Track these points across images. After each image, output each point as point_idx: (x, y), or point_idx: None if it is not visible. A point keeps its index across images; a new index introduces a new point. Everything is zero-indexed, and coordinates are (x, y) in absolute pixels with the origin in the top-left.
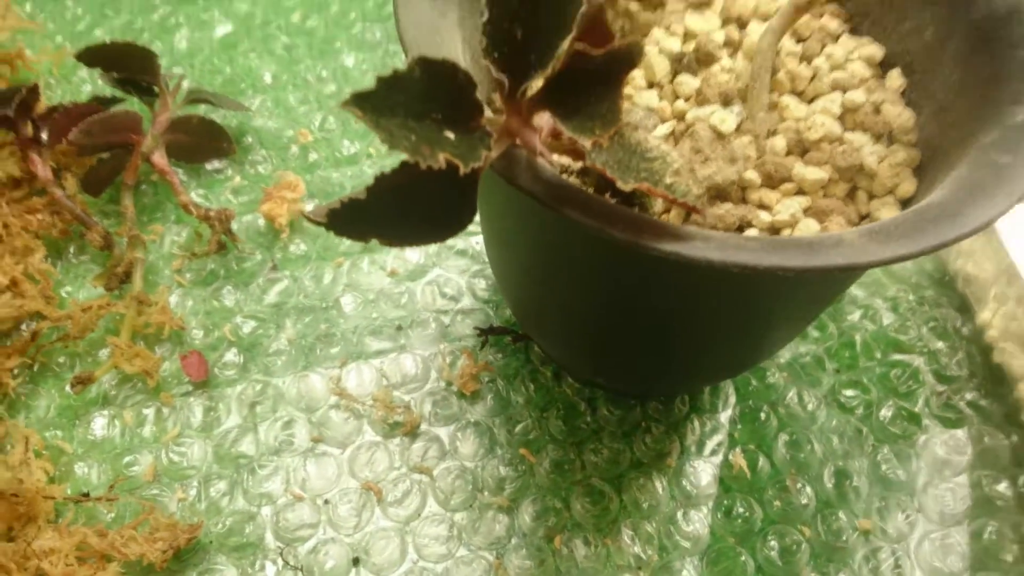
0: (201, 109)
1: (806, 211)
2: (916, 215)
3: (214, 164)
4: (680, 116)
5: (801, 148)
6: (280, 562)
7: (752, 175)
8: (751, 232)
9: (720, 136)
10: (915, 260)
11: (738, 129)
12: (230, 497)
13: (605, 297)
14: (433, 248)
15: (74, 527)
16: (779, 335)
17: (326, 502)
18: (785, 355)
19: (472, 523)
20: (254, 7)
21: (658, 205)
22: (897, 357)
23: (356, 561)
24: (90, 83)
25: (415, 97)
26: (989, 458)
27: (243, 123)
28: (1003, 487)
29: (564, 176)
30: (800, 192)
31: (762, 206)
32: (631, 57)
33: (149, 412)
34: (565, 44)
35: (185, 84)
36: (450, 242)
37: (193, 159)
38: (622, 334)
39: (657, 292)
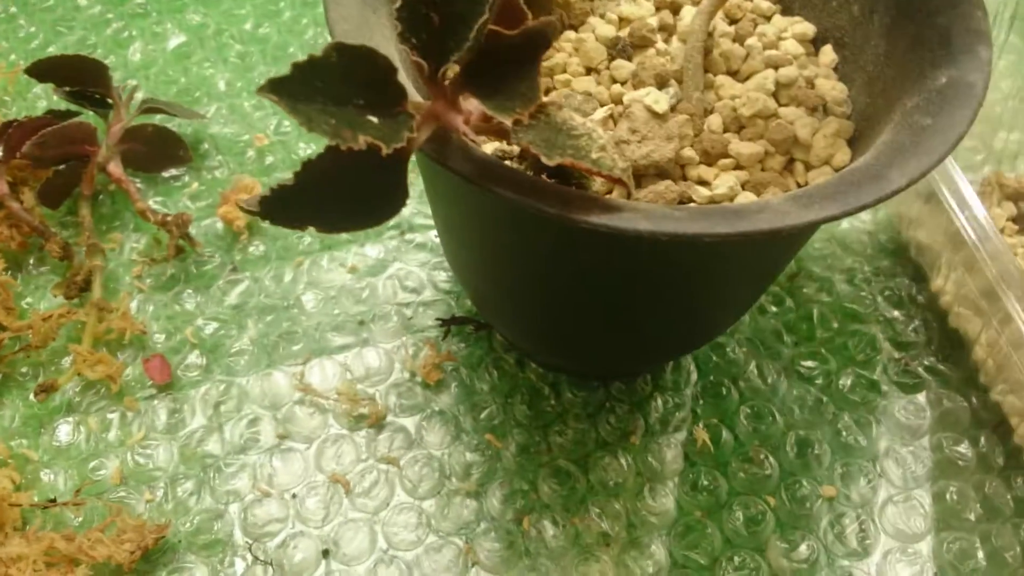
0: (157, 119)
1: (744, 185)
2: (840, 179)
3: (171, 172)
4: (617, 100)
5: (737, 124)
6: (249, 557)
7: (690, 152)
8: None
9: (656, 116)
10: (869, 232)
11: (674, 109)
12: (197, 496)
13: (551, 279)
14: (393, 243)
15: (42, 533)
16: (728, 308)
17: (294, 496)
18: (744, 331)
19: (441, 510)
20: (207, 18)
21: (597, 185)
22: (854, 327)
23: (326, 553)
24: (45, 99)
25: (334, 82)
26: (949, 420)
27: (199, 130)
28: (963, 448)
29: (507, 162)
30: (738, 167)
31: (701, 182)
32: (545, 36)
33: (114, 417)
34: (479, 26)
35: (140, 95)
36: (409, 236)
37: (150, 168)
38: (573, 315)
39: (598, 270)
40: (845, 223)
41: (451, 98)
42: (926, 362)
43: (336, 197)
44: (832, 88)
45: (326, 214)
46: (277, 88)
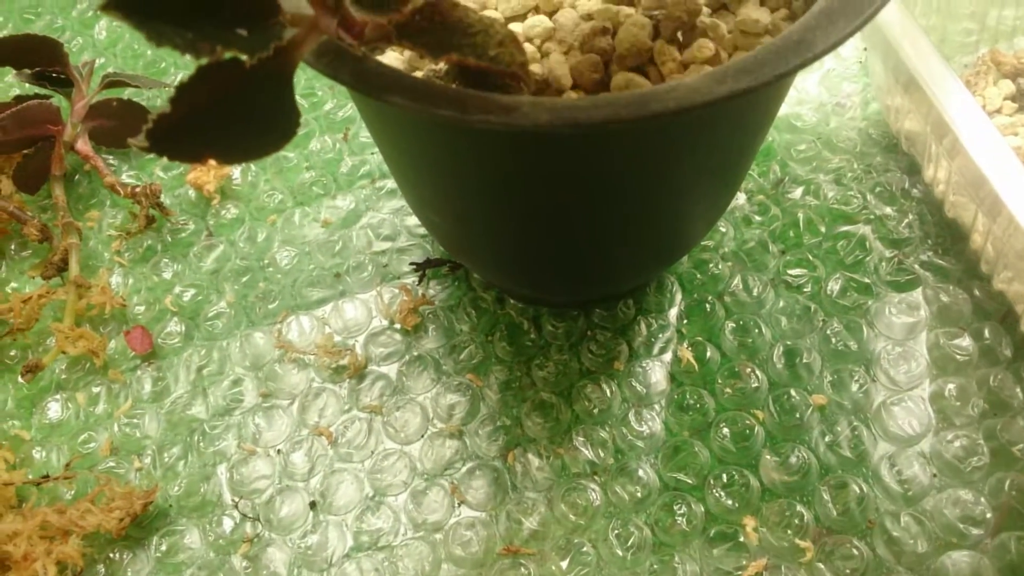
0: (126, 93)
1: None
2: (763, 50)
3: None
4: None
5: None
6: (237, 515)
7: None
8: None
9: None
10: (859, 129)
11: None
12: (185, 460)
13: (492, 200)
14: (364, 192)
15: (36, 509)
16: (694, 211)
17: (279, 452)
18: (729, 244)
19: (425, 453)
20: None
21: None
22: (843, 229)
23: (313, 505)
24: (18, 87)
25: None
26: (948, 315)
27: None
28: (964, 342)
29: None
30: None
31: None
32: None
33: (100, 390)
34: None
35: (109, 71)
36: (379, 183)
37: (120, 142)
38: (526, 238)
39: (532, 178)
40: (832, 120)
41: (333, 6)
42: (923, 257)
43: (222, 122)
44: None
45: (217, 142)
46: (121, 3)
